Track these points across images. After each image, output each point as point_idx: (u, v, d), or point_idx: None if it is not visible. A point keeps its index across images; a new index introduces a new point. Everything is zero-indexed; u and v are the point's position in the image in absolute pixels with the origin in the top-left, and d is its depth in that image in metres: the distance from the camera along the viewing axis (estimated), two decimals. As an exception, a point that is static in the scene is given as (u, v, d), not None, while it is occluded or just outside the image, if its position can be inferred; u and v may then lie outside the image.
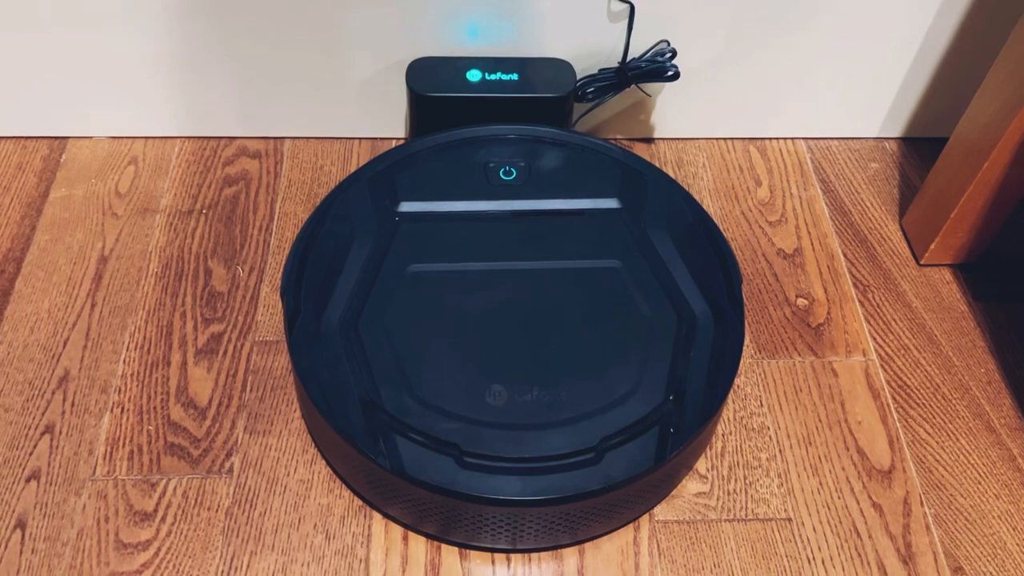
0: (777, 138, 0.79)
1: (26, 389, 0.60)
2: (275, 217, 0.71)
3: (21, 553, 0.53)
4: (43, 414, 0.59)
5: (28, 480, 0.56)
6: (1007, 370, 0.65)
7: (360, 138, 0.77)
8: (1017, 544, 0.57)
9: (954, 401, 0.63)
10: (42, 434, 0.58)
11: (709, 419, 0.54)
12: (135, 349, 0.63)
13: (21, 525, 0.54)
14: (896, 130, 0.80)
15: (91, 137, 0.76)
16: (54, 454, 0.57)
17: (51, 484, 0.56)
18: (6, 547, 0.54)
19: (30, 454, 0.57)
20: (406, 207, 0.62)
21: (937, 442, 0.61)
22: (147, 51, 0.70)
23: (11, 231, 0.69)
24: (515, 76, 0.69)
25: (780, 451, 0.60)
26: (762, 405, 0.62)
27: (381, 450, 0.51)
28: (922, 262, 0.70)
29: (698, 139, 0.79)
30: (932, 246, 0.69)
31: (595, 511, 0.52)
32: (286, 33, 0.70)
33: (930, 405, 0.63)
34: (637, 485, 0.52)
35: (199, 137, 0.76)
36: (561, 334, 0.56)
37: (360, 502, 0.56)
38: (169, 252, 0.68)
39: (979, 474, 0.60)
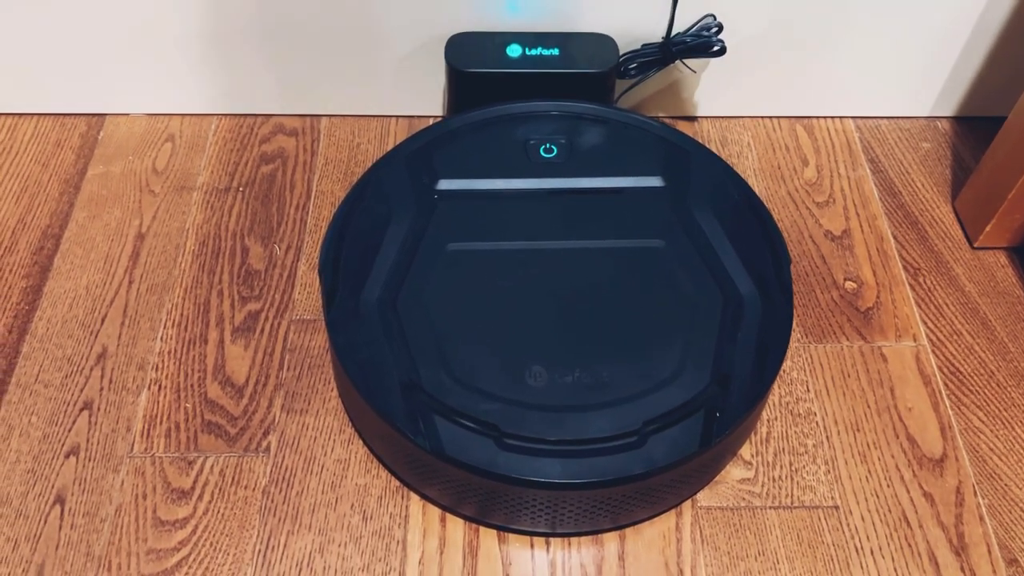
0: (825, 117, 0.77)
1: (65, 365, 0.60)
2: (312, 195, 0.70)
3: (60, 528, 0.53)
4: (82, 390, 0.59)
5: (67, 456, 0.56)
6: (1065, 357, 0.62)
7: (397, 116, 0.76)
8: (1076, 537, 0.55)
9: (1010, 388, 0.61)
10: (81, 410, 0.58)
11: (755, 404, 0.52)
12: (172, 327, 0.62)
13: (60, 501, 0.54)
14: (949, 109, 0.77)
15: (128, 114, 0.75)
16: (92, 430, 0.57)
17: (90, 460, 0.56)
18: (46, 522, 0.54)
19: (69, 430, 0.57)
20: (445, 185, 0.60)
21: (991, 430, 0.59)
22: (184, 29, 0.70)
23: (50, 208, 0.69)
24: (556, 51, 0.67)
25: (827, 437, 0.58)
26: (809, 390, 0.60)
27: (420, 430, 0.50)
28: (976, 245, 0.68)
29: (743, 117, 0.77)
30: (987, 228, 0.66)
31: (637, 496, 0.51)
32: (323, 9, 0.69)
33: (984, 392, 0.61)
34: (680, 470, 0.50)
35: (236, 114, 0.76)
36: (603, 315, 0.55)
37: (397, 483, 0.56)
38: (206, 230, 0.68)
39: (1036, 464, 0.58)
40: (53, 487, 0.55)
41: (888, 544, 0.54)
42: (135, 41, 0.70)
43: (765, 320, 0.55)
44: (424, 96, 0.74)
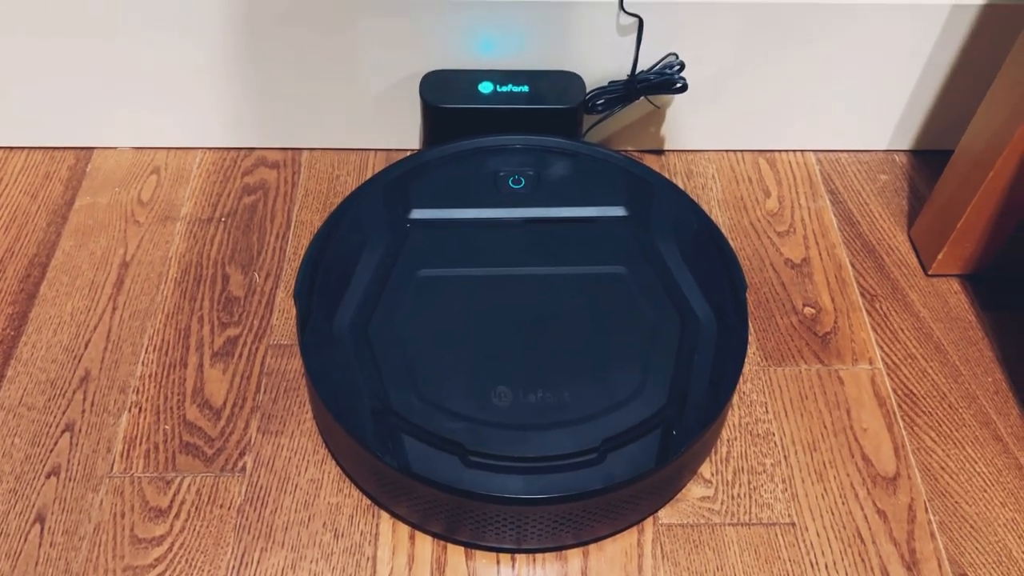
0: (786, 150, 0.80)
1: (48, 388, 0.62)
2: (291, 225, 0.73)
3: (40, 546, 0.55)
4: (64, 413, 0.61)
5: (48, 476, 0.58)
6: (1015, 380, 0.65)
7: (376, 149, 0.79)
8: (1022, 552, 0.56)
9: (961, 410, 0.63)
10: (63, 432, 0.60)
11: (711, 422, 0.54)
12: (153, 351, 0.64)
13: (40, 519, 0.56)
14: (905, 143, 0.80)
15: (116, 147, 0.78)
16: (74, 451, 0.59)
17: (70, 480, 0.58)
18: (26, 540, 0.55)
19: (51, 451, 0.59)
20: (417, 214, 0.63)
21: (943, 450, 0.61)
22: (170, 65, 0.73)
23: (37, 237, 0.71)
24: (526, 88, 0.70)
25: (785, 457, 0.60)
26: (768, 411, 0.63)
27: (388, 449, 0.52)
28: (930, 272, 0.71)
29: (707, 151, 0.80)
30: (940, 256, 0.69)
31: (598, 512, 0.53)
32: (304, 48, 0.72)
33: (936, 413, 0.63)
34: (639, 486, 0.52)
35: (220, 148, 0.78)
36: (567, 337, 0.57)
37: (368, 501, 0.58)
38: (188, 258, 0.70)
39: (985, 482, 0.60)
40: (34, 506, 0.57)
41: (842, 560, 0.56)
42: (123, 78, 0.73)
43: (721, 343, 0.57)
44: (401, 130, 0.77)
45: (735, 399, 0.63)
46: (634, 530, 0.57)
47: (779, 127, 0.79)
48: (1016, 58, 0.61)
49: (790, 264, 0.72)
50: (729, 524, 0.57)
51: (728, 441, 0.61)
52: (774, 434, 0.62)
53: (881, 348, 0.66)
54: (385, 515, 0.57)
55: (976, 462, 0.61)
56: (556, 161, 0.66)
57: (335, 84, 0.74)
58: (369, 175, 0.77)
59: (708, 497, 0.58)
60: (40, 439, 0.60)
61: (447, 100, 0.70)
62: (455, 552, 0.56)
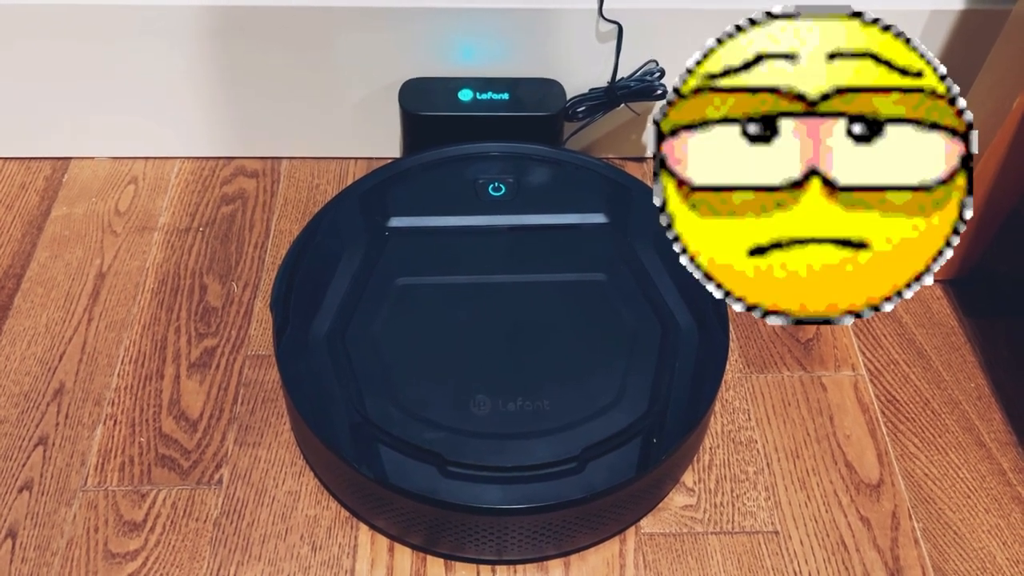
0: (768, 157, 0.80)
1: (22, 401, 0.61)
2: (270, 235, 0.72)
3: (11, 562, 0.54)
4: (37, 426, 0.60)
5: (20, 490, 0.57)
6: (997, 385, 0.64)
7: (356, 158, 0.78)
8: (1006, 558, 0.56)
9: (944, 415, 0.63)
10: (36, 445, 0.59)
11: (692, 430, 0.54)
12: (129, 363, 0.64)
13: (12, 535, 0.55)
14: (887, 149, 0.80)
15: (93, 157, 0.77)
16: (47, 465, 0.58)
17: (43, 494, 0.57)
18: (-4, 556, 0.54)
19: (23, 465, 0.58)
20: (396, 222, 0.62)
21: (926, 456, 0.61)
22: (148, 75, 0.72)
23: (12, 248, 0.70)
24: (506, 96, 0.70)
25: (768, 464, 0.60)
26: (750, 419, 0.62)
27: (365, 459, 0.51)
28: (912, 278, 0.71)
29: (689, 158, 0.79)
30: (921, 262, 0.69)
31: (579, 521, 0.52)
32: (283, 56, 0.71)
33: (919, 419, 0.63)
34: (620, 495, 0.52)
35: (198, 157, 0.78)
36: (546, 345, 0.56)
37: (347, 513, 0.57)
38: (166, 268, 0.69)
39: (968, 488, 0.59)
40: (5, 521, 0.56)
41: (826, 568, 0.56)
42: (100, 87, 0.73)
43: (702, 350, 0.57)
44: (381, 139, 0.77)
45: (717, 406, 0.62)
46: (616, 540, 0.56)
47: (761, 134, 0.78)
48: (994, 62, 0.61)
49: (772, 271, 0.71)
50: (712, 533, 0.57)
51: (710, 449, 0.60)
52: (757, 441, 0.61)
53: (864, 354, 0.66)
54: (364, 527, 0.56)
55: (959, 468, 0.60)
56: (536, 168, 0.66)
57: (314, 92, 0.74)
58: (349, 184, 0.76)
59: (691, 506, 0.58)
60: (12, 453, 0.59)
61: (427, 108, 0.70)
62: (435, 564, 0.55)
